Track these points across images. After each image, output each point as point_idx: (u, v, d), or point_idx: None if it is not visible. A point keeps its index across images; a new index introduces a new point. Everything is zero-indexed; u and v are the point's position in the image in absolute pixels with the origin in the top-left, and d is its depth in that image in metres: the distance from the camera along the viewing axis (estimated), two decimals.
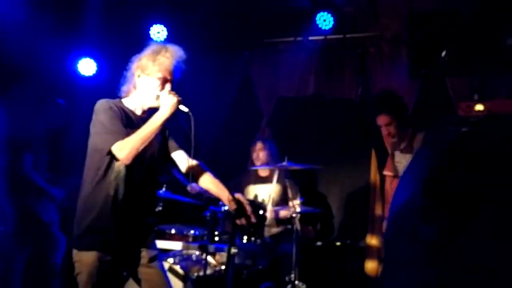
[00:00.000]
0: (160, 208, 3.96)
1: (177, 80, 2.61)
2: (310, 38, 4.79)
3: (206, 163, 5.13)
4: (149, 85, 2.54)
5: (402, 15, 4.35)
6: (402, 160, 3.45)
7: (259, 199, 4.43)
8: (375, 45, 4.63)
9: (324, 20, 4.56)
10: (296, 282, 3.54)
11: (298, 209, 3.61)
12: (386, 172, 4.34)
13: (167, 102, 2.47)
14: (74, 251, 2.45)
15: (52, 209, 4.30)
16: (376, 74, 4.68)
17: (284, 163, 3.73)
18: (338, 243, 4.81)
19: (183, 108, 2.51)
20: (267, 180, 4.50)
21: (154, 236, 2.73)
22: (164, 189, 3.96)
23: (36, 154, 4.16)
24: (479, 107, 3.16)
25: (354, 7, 4.47)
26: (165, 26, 4.98)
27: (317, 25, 4.60)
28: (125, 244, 2.51)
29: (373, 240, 4.66)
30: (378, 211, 4.73)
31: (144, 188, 2.57)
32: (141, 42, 5.07)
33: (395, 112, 3.31)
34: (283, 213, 4.16)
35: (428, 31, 3.47)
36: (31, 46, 4.55)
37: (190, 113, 2.51)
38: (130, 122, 2.50)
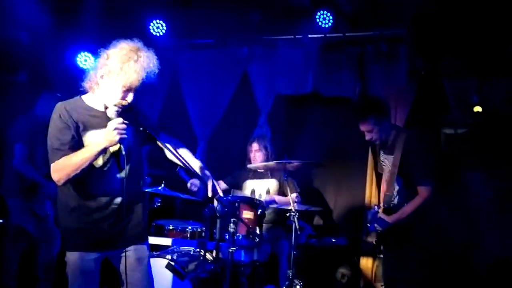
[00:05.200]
0: (158, 205, 3.97)
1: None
2: (309, 36, 4.79)
3: (205, 158, 5.18)
4: (110, 89, 2.36)
5: (402, 15, 4.37)
6: (385, 161, 3.53)
7: (256, 194, 4.46)
8: (374, 44, 4.64)
9: (324, 19, 4.57)
10: (294, 280, 3.56)
11: (296, 207, 3.63)
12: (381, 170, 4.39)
13: (109, 135, 2.28)
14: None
15: (47, 203, 4.29)
16: (374, 73, 4.70)
17: (283, 160, 3.75)
18: (333, 240, 4.86)
19: (122, 150, 2.34)
20: (263, 175, 4.53)
21: (145, 233, 2.61)
22: (162, 185, 3.96)
23: (31, 147, 4.14)
24: (478, 108, 3.18)
25: (353, 6, 4.47)
26: (164, 21, 4.96)
27: (317, 23, 4.61)
28: (110, 242, 2.47)
29: (368, 237, 4.70)
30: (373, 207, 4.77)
31: (129, 183, 2.46)
32: (140, 37, 5.09)
33: (376, 119, 3.39)
34: (279, 198, 4.19)
35: (428, 32, 3.48)
36: (29, 39, 4.53)
37: (124, 153, 2.35)
38: (91, 122, 2.40)
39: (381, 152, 3.59)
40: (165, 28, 4.99)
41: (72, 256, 2.43)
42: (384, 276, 3.52)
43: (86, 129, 2.39)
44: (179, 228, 3.98)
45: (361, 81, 4.78)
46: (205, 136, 5.23)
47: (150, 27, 4.97)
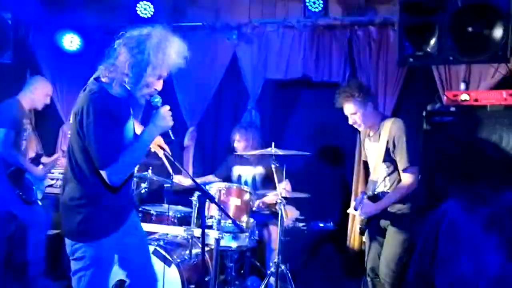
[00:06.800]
0: (146, 190, 3.98)
1: None
2: (299, 20, 4.74)
3: (194, 143, 5.17)
4: (141, 78, 2.28)
5: (392, 0, 4.33)
6: (370, 148, 3.53)
7: (242, 180, 4.48)
8: (363, 29, 4.61)
9: (314, 3, 4.52)
10: (281, 265, 3.60)
11: (284, 194, 3.64)
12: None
13: (165, 121, 2.35)
14: (79, 244, 2.30)
15: (36, 187, 4.28)
16: (363, 58, 4.67)
17: (271, 149, 3.75)
18: (321, 224, 4.88)
19: (171, 133, 2.43)
20: (250, 162, 4.54)
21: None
22: (150, 171, 3.96)
23: (17, 132, 4.08)
24: (465, 96, 3.18)
25: None
26: (151, 3, 4.88)
27: (307, 7, 4.56)
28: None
29: (354, 223, 4.73)
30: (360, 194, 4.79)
31: None
32: (127, 18, 5.00)
33: (359, 102, 3.38)
34: (268, 198, 4.20)
35: (418, 18, 3.44)
36: (14, 19, 4.44)
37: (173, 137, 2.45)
38: (121, 111, 2.32)
39: (366, 139, 3.59)
40: (153, 9, 4.91)
41: (93, 248, 2.28)
42: (367, 263, 3.56)
43: (124, 119, 2.32)
44: (167, 214, 3.97)
45: (351, 66, 4.75)
46: (194, 121, 5.19)
47: (137, 8, 4.88)
